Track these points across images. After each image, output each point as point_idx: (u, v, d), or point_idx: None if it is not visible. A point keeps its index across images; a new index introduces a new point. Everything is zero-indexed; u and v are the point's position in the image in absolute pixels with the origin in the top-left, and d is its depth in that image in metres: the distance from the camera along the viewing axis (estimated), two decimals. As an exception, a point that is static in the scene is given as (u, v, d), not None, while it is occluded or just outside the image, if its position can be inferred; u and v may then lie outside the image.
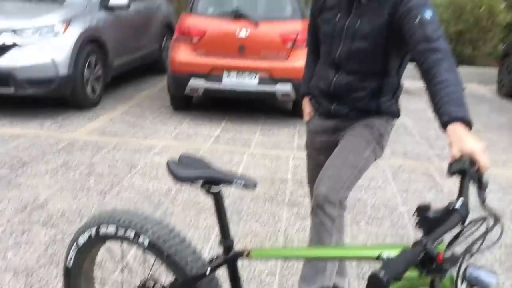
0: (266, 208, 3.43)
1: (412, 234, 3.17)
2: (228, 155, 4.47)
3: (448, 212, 1.12)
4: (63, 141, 4.59)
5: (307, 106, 2.18)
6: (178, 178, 1.37)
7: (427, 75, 1.56)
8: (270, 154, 4.57)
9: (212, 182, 1.37)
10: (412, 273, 1.18)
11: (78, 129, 5.02)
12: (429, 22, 1.63)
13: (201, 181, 1.37)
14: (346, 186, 1.86)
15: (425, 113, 6.35)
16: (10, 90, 5.08)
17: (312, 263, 1.92)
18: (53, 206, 3.26)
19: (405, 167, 4.39)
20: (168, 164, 1.41)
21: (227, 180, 1.36)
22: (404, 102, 6.91)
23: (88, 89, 5.64)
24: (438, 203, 3.67)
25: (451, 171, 1.30)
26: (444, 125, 1.45)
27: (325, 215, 1.81)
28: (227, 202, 3.44)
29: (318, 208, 1.83)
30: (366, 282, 1.19)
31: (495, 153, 4.99)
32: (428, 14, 1.64)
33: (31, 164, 3.98)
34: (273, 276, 2.60)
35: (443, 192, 3.87)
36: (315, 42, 2.10)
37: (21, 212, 3.15)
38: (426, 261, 1.01)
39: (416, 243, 1.02)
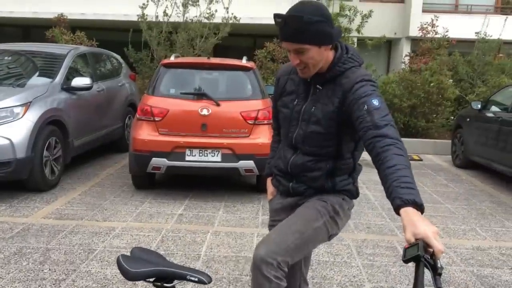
0: (230, 291, 3.32)
1: (379, 312, 3.11)
2: (191, 235, 4.38)
3: None
4: (17, 227, 4.40)
5: (270, 186, 2.24)
6: (128, 277, 1.32)
7: (377, 161, 1.62)
8: (234, 232, 4.50)
9: (165, 279, 1.33)
10: None
11: (35, 212, 4.84)
12: (377, 110, 1.71)
13: (153, 278, 1.33)
14: (287, 251, 1.82)
15: (385, 185, 6.48)
16: (-37, 174, 4.92)
17: None
18: (2, 300, 3.06)
19: (369, 241, 4.40)
20: (118, 260, 1.37)
21: (180, 276, 1.32)
22: (366, 175, 7.06)
23: (47, 171, 5.52)
24: (403, 278, 3.66)
25: (406, 258, 1.31)
26: (396, 209, 1.48)
27: (262, 276, 1.77)
28: (188, 287, 3.32)
29: (255, 269, 1.79)
30: None
31: (454, 224, 5.08)
32: (375, 102, 1.73)
33: (-19, 253, 3.77)
34: None
35: (408, 266, 3.87)
36: (279, 124, 2.19)
37: (-34, 308, 2.94)
38: None
39: None
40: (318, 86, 1.92)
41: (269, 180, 2.27)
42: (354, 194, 2.05)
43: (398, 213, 1.47)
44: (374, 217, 5.15)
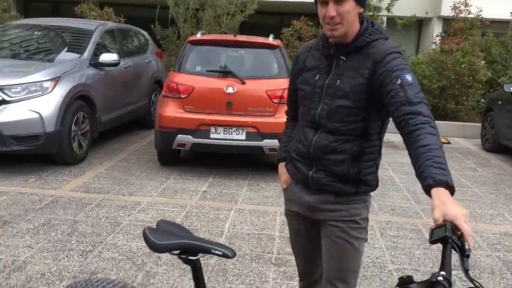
0: (252, 268, 3.35)
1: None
2: (215, 212, 4.42)
3: (431, 284, 1.10)
4: (46, 198, 4.52)
5: (283, 173, 2.06)
6: (154, 249, 1.33)
7: (409, 139, 1.57)
8: (258, 210, 4.53)
9: (190, 251, 1.34)
10: None
11: (63, 185, 4.96)
12: (410, 85, 1.64)
13: (178, 251, 1.34)
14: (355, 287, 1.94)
15: (412, 168, 6.38)
16: (-5, 147, 5.05)
17: None
18: (32, 268, 3.16)
19: (393, 223, 4.36)
20: (144, 232, 1.38)
21: (205, 249, 1.33)
22: (391, 156, 6.97)
23: (75, 145, 5.63)
24: (426, 261, 3.62)
25: (433, 239, 1.29)
26: (427, 188, 1.44)
27: None
28: (212, 261, 3.36)
29: None
30: None
31: (482, 208, 4.99)
32: (409, 77, 1.66)
33: (13, 223, 3.89)
34: None
35: (432, 249, 3.83)
36: (294, 107, 2.08)
37: (-2, 275, 3.05)
38: None
39: None
40: (342, 57, 1.83)
41: (282, 166, 2.09)
42: (375, 186, 1.93)
43: (428, 193, 1.43)
44: (399, 200, 5.09)
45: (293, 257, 3.53)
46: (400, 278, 1.14)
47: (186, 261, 1.38)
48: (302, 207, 1.96)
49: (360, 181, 1.86)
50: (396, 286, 1.13)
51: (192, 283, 3.02)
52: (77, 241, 3.63)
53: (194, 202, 4.67)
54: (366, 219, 1.93)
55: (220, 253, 1.32)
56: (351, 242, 1.87)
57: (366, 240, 1.94)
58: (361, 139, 1.84)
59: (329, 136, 1.85)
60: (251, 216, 4.35)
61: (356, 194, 1.88)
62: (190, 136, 5.38)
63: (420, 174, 1.48)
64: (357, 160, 1.85)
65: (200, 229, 4.00)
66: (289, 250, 3.61)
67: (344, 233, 1.87)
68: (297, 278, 3.17)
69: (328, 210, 1.89)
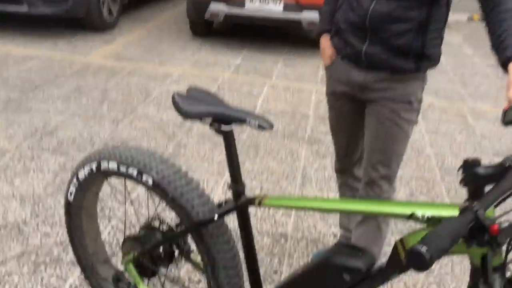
0: (284, 144, 3.26)
1: (439, 178, 2.98)
2: (248, 86, 4.25)
3: (503, 170, 0.92)
4: (76, 65, 4.41)
5: (328, 47, 1.76)
6: (184, 114, 1.19)
7: (488, 2, 1.29)
8: (292, 87, 4.33)
9: (223, 120, 1.19)
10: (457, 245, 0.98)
11: (93, 52, 4.82)
12: None
13: (210, 119, 1.19)
14: (397, 172, 1.80)
15: (461, 48, 5.94)
16: (23, 9, 4.86)
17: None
18: (63, 133, 3.14)
19: (435, 106, 4.12)
20: (174, 97, 1.23)
21: (240, 119, 1.17)
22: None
23: (105, 10, 5.37)
24: (469, 146, 3.45)
25: (506, 120, 1.08)
26: (505, 61, 1.20)
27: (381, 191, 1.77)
28: (244, 136, 3.28)
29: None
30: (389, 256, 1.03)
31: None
32: None
33: (43, 88, 3.83)
34: (288, 217, 2.48)
35: (475, 134, 3.63)
36: None
37: (31, 138, 3.05)
38: (476, 231, 0.83)
39: (464, 210, 0.83)
40: None
41: (326, 39, 1.78)
42: (437, 61, 1.67)
43: (504, 67, 1.19)
44: (445, 82, 4.77)
45: (327, 136, 3.41)
46: (465, 161, 0.96)
47: (218, 131, 1.23)
48: (350, 86, 1.72)
49: (422, 56, 1.60)
50: (459, 168, 0.96)
51: (222, 156, 2.97)
52: (108, 108, 3.58)
53: (226, 75, 4.49)
54: (420, 101, 1.71)
55: (256, 123, 1.15)
56: (401, 124, 1.67)
57: (416, 123, 1.73)
58: (429, 4, 1.53)
59: (391, 2, 1.53)
60: (285, 93, 4.18)
61: (415, 71, 1.63)
62: (223, 5, 5.02)
63: (499, 45, 1.23)
64: (422, 31, 1.56)
65: (232, 103, 3.87)
66: (323, 129, 3.48)
67: (394, 114, 1.66)
68: (330, 157, 3.08)
69: (380, 89, 1.65)
